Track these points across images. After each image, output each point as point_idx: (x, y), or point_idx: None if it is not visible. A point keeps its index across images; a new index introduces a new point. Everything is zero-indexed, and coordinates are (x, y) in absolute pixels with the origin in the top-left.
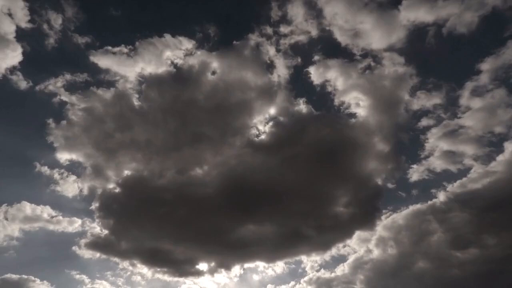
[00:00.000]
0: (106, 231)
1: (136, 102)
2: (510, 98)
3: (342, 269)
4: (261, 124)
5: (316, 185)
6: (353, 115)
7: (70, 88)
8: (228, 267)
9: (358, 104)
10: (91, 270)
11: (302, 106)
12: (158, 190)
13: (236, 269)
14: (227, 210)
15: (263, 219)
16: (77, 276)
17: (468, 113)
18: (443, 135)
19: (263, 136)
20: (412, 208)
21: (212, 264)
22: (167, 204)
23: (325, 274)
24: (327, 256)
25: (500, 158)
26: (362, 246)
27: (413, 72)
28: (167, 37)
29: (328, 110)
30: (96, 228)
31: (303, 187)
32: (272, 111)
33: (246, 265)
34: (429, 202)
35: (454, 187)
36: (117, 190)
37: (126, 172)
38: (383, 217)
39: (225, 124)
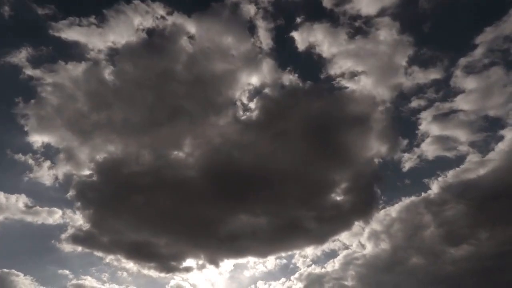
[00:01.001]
0: (87, 223)
1: (108, 77)
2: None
3: (332, 265)
4: (247, 98)
5: (310, 167)
6: (345, 87)
7: (35, 62)
8: (216, 263)
9: (352, 75)
10: (74, 265)
11: (290, 77)
12: (137, 176)
13: (226, 265)
14: (214, 198)
15: (252, 207)
16: (60, 271)
17: (462, 95)
18: (436, 119)
19: (249, 112)
20: (405, 200)
21: (201, 259)
22: (147, 191)
23: (315, 269)
24: (322, 249)
25: (499, 147)
26: (353, 241)
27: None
28: (136, 2)
29: (318, 80)
30: (78, 220)
31: (295, 170)
32: (257, 82)
33: (236, 261)
34: (423, 194)
35: (448, 177)
36: (94, 176)
37: (102, 156)
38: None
39: (207, 98)
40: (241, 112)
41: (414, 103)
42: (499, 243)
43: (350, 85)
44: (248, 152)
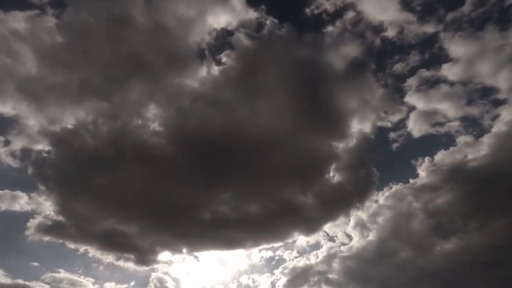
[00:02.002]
0: (54, 210)
1: (56, 31)
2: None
3: (316, 257)
4: (216, 46)
5: (298, 133)
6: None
7: None
8: (197, 254)
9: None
10: (46, 257)
11: (265, 19)
12: (98, 150)
13: (207, 256)
14: (187, 174)
15: (232, 185)
16: (33, 264)
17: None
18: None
19: (222, 66)
20: (394, 188)
21: (180, 251)
22: (112, 169)
23: (300, 262)
24: (312, 238)
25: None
26: (337, 233)
27: None
28: None
29: (299, 21)
30: (45, 206)
31: (282, 137)
32: (228, 25)
33: (218, 252)
34: (411, 181)
35: (437, 159)
36: (52, 152)
37: (58, 127)
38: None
39: (170, 48)
40: (213, 65)
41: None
42: (491, 237)
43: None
44: (224, 116)
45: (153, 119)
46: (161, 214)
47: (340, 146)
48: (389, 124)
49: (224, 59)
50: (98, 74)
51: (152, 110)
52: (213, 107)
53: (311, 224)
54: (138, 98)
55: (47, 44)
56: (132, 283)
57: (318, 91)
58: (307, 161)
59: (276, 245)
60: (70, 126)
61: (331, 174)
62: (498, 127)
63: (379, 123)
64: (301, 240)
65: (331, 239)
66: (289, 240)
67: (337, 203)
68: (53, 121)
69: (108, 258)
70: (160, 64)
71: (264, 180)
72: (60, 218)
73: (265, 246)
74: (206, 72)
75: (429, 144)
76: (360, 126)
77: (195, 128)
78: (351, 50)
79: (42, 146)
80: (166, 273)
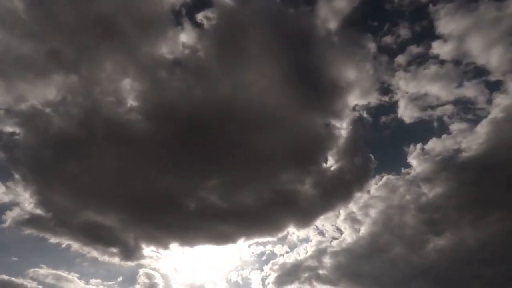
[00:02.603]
0: (34, 202)
1: None
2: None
3: (306, 252)
4: (193, 8)
5: (289, 104)
6: None
7: None
8: (184, 249)
9: None
10: (26, 252)
11: None
12: (69, 129)
13: (195, 251)
14: (170, 156)
15: (216, 168)
16: (13, 259)
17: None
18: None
19: (201, 29)
20: (385, 177)
21: (165, 246)
22: (86, 150)
23: (290, 258)
24: (303, 233)
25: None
26: (327, 226)
27: None
28: None
29: None
30: (23, 196)
31: (270, 110)
32: None
33: (206, 247)
34: (403, 170)
35: (429, 148)
36: (21, 134)
37: (25, 105)
38: None
39: (142, 11)
40: (191, 29)
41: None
42: (486, 233)
43: None
44: (207, 89)
45: (127, 93)
46: (143, 204)
47: (336, 125)
48: (379, 106)
49: (202, 21)
50: (66, 43)
51: (126, 84)
52: (194, 78)
53: (306, 215)
54: (110, 70)
55: (6, 10)
56: (120, 279)
57: (310, 57)
58: (301, 142)
59: (267, 239)
60: (38, 105)
61: (328, 159)
62: (495, 113)
63: (372, 103)
64: (293, 234)
65: (321, 233)
66: (280, 234)
67: (335, 191)
68: (19, 99)
69: (92, 253)
70: (132, 30)
71: (254, 163)
72: (39, 210)
73: (257, 239)
74: (184, 38)
75: (421, 130)
76: (356, 102)
77: (174, 102)
78: (345, 6)
79: (11, 127)
80: (154, 269)
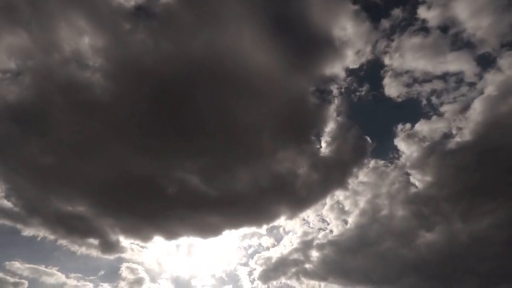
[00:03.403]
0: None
1: None
2: None
3: (291, 244)
4: None
5: (273, 62)
6: None
7: None
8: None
9: None
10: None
11: None
12: (23, 98)
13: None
14: (138, 128)
15: (193, 144)
16: None
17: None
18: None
19: None
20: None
21: (151, 237)
22: (44, 123)
23: (276, 251)
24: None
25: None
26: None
27: None
28: None
29: None
30: None
31: (252, 69)
32: None
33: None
34: (390, 155)
35: (418, 129)
36: None
37: None
38: None
39: None
40: None
41: None
42: (479, 227)
43: None
44: (177, 43)
45: (87, 53)
46: (115, 189)
47: (326, 91)
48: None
49: None
50: None
51: (84, 42)
52: (161, 31)
53: (298, 202)
54: (65, 28)
55: None
56: (101, 273)
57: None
58: (289, 113)
59: (254, 230)
60: None
61: (320, 136)
62: (489, 90)
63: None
64: (283, 225)
65: (307, 223)
66: (269, 225)
67: (329, 173)
68: None
69: (70, 246)
70: None
71: (238, 137)
72: (6, 200)
73: (244, 230)
74: None
75: (408, 110)
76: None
77: (142, 61)
78: None
79: None
80: (137, 263)
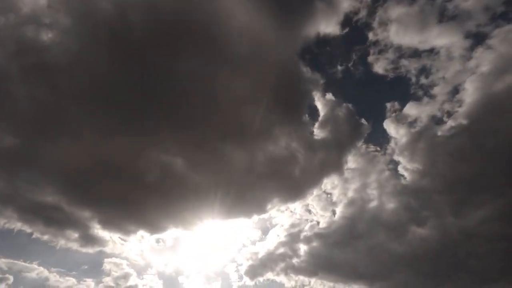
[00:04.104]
0: None
1: None
2: None
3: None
4: None
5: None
6: None
7: None
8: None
9: None
10: None
11: None
12: None
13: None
14: (105, 94)
15: (171, 120)
16: None
17: None
18: None
19: None
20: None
21: (130, 228)
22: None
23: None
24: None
25: None
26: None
27: None
28: None
29: None
30: None
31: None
32: None
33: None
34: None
35: (407, 112)
36: None
37: None
38: None
39: None
40: None
41: None
42: (472, 223)
43: None
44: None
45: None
46: (89, 174)
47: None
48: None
49: None
50: None
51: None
52: None
53: (290, 190)
54: None
55: None
56: (84, 267)
57: None
58: (276, 82)
59: (242, 220)
60: None
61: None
62: (482, 69)
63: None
64: (272, 215)
65: (295, 215)
66: (259, 215)
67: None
68: None
69: (48, 239)
70: None
71: (221, 110)
72: None
73: (234, 221)
74: None
75: (396, 88)
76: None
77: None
78: None
79: None
80: (122, 257)
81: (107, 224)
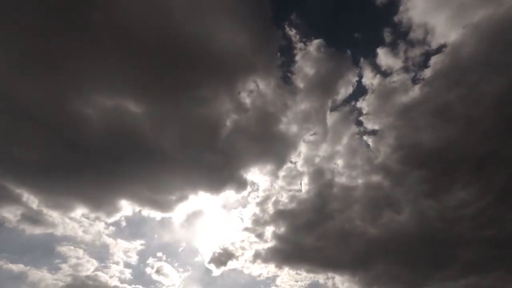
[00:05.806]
0: None
1: None
2: None
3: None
4: None
5: None
6: None
7: None
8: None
9: None
10: None
11: None
12: None
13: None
14: None
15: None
16: None
17: None
18: None
19: None
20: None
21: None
22: None
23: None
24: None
25: None
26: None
27: None
28: None
29: None
30: None
31: None
32: None
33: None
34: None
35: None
36: None
37: None
38: None
39: None
40: None
41: None
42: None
43: None
44: None
45: None
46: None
47: None
48: None
49: None
50: None
51: None
52: None
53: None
54: None
55: None
56: (36, 254)
57: None
58: None
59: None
60: None
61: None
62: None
63: None
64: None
65: (257, 189)
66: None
67: None
68: None
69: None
70: None
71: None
72: None
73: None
74: None
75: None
76: None
77: None
78: None
79: None
80: (78, 242)
81: (47, 200)
